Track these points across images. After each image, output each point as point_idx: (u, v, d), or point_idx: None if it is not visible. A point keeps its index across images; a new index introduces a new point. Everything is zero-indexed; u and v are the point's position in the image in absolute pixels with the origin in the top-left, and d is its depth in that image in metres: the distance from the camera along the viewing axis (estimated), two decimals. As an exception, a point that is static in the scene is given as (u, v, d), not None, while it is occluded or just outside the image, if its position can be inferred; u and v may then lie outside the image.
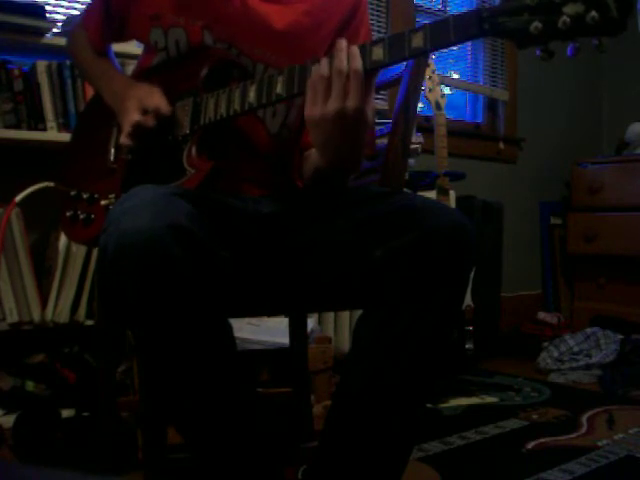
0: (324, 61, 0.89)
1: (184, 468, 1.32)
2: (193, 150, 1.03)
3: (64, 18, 2.00)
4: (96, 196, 1.16)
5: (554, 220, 3.47)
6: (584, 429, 1.85)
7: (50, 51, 1.84)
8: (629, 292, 3.07)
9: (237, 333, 0.91)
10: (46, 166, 1.52)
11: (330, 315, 2.24)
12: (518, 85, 3.29)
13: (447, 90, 2.97)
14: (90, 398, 1.69)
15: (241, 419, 0.89)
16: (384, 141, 1.36)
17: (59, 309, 1.80)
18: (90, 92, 1.83)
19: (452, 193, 2.25)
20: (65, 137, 1.77)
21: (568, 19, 0.73)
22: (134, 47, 1.76)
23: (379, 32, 2.79)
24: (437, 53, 3.06)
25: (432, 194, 2.18)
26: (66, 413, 1.67)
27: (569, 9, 0.73)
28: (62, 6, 2.05)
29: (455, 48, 3.17)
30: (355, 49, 0.87)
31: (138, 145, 1.07)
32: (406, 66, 1.25)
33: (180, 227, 0.79)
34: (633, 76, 3.61)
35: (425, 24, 0.83)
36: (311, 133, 0.93)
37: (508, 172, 3.29)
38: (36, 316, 1.77)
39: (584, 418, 1.95)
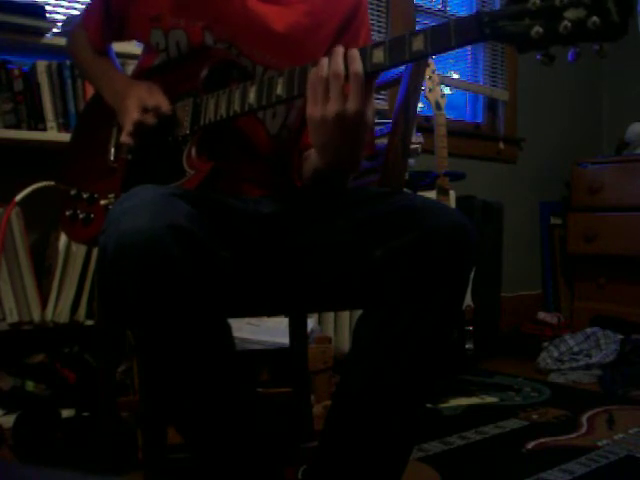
0: (323, 61, 0.89)
1: (184, 468, 1.32)
2: (193, 151, 1.03)
3: (64, 18, 2.00)
4: (96, 196, 1.16)
5: (554, 220, 3.47)
6: (584, 429, 1.85)
7: (50, 51, 1.84)
8: (629, 292, 3.07)
9: (237, 333, 0.91)
10: (46, 166, 1.52)
11: (330, 315, 2.24)
12: (518, 85, 3.29)
13: (447, 90, 2.97)
14: (90, 398, 1.69)
15: (241, 419, 0.89)
16: (384, 141, 1.36)
17: (59, 309, 1.80)
18: (90, 92, 1.83)
19: (452, 193, 2.25)
20: (65, 137, 1.77)
21: (569, 24, 0.72)
22: (134, 47, 1.76)
23: (379, 32, 2.79)
24: (437, 53, 3.06)
25: (432, 194, 2.18)
26: (66, 413, 1.67)
27: (570, 14, 0.72)
28: (62, 6, 2.05)
29: (455, 48, 3.16)
30: (355, 52, 0.87)
31: (138, 144, 1.07)
32: (406, 66, 1.25)
33: (180, 227, 0.79)
34: (633, 76, 3.61)
35: (426, 28, 0.83)
36: (311, 134, 0.93)
37: (508, 172, 3.29)
38: (36, 316, 1.77)
39: (584, 418, 1.95)
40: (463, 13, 3.20)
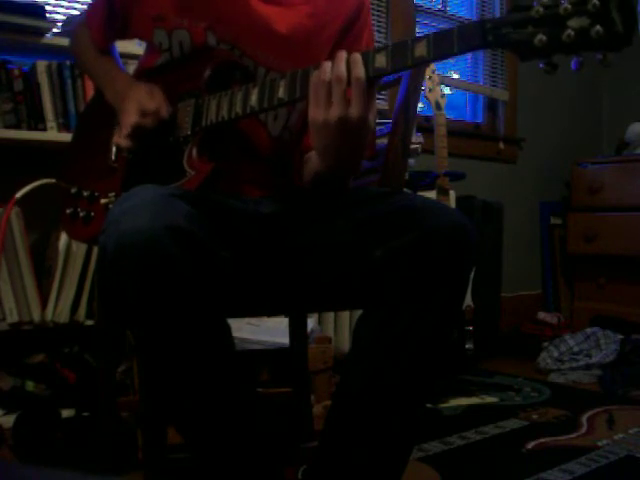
0: (326, 65, 0.89)
1: (184, 468, 1.32)
2: (194, 151, 1.03)
3: (64, 18, 2.00)
4: (96, 194, 1.16)
5: (554, 220, 3.47)
6: (584, 429, 1.85)
7: (50, 51, 1.83)
8: (629, 292, 3.07)
9: (237, 333, 0.92)
10: (46, 166, 1.52)
11: (330, 315, 2.24)
12: (518, 85, 3.29)
13: (447, 90, 2.97)
14: (90, 398, 1.69)
15: (241, 419, 0.89)
16: (384, 141, 1.36)
17: (59, 309, 1.80)
18: (90, 92, 1.83)
19: (452, 193, 2.25)
20: (65, 137, 1.77)
21: (573, 33, 0.72)
22: (135, 47, 1.76)
23: (379, 32, 2.79)
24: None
25: (432, 194, 2.18)
26: (66, 413, 1.67)
27: (574, 23, 0.72)
28: (62, 6, 2.05)
29: (455, 48, 3.16)
30: (357, 56, 0.87)
31: (136, 147, 1.07)
32: (406, 67, 1.24)
33: (179, 228, 0.79)
34: (633, 76, 3.61)
35: (428, 34, 0.82)
36: (313, 137, 0.92)
37: (508, 172, 3.29)
38: (36, 316, 1.77)
39: (584, 418, 1.95)
40: (463, 13, 3.20)
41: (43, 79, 1.81)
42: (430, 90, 2.26)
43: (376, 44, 1.04)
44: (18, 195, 1.73)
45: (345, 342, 2.23)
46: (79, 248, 1.80)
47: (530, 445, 1.71)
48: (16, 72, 1.79)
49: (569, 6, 0.72)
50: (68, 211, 1.20)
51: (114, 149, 1.16)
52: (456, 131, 2.90)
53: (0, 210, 1.72)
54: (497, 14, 3.21)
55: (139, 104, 1.06)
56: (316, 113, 0.89)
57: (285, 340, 1.56)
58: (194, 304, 0.81)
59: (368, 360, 0.92)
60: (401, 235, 0.89)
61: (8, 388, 1.75)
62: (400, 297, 0.89)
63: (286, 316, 1.67)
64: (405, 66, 0.85)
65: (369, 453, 0.92)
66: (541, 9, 0.74)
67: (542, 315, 3.15)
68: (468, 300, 2.27)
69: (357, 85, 0.86)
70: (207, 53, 1.09)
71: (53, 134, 1.81)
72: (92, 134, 1.26)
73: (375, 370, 0.91)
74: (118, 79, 1.18)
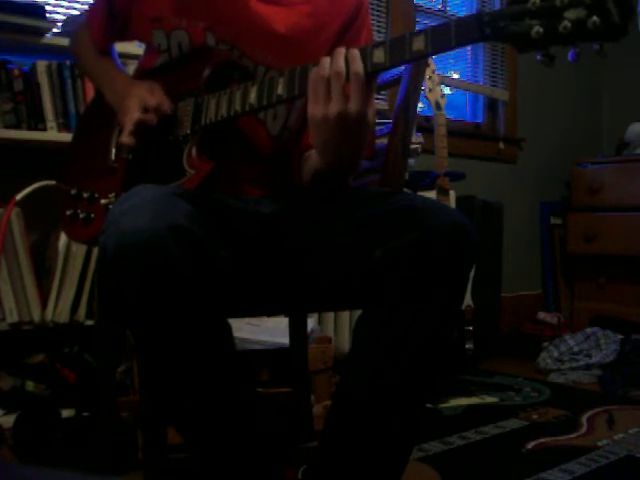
0: (325, 61, 0.89)
1: (184, 468, 1.32)
2: (193, 150, 1.03)
3: (64, 18, 2.00)
4: (96, 195, 1.16)
5: (554, 220, 3.47)
6: (584, 429, 1.85)
7: (50, 51, 1.84)
8: (629, 292, 3.07)
9: (237, 333, 0.92)
10: (46, 166, 1.52)
11: (330, 315, 2.24)
12: (518, 85, 3.29)
13: (447, 90, 2.97)
14: (90, 398, 1.69)
15: (241, 419, 0.89)
16: (384, 141, 1.36)
17: (59, 309, 1.80)
18: (90, 92, 1.83)
19: (452, 193, 2.25)
20: (65, 137, 1.77)
21: (569, 24, 0.72)
22: (135, 47, 1.76)
23: (379, 32, 2.79)
24: (437, 53, 3.06)
25: (432, 194, 2.18)
26: (66, 413, 1.67)
27: (570, 14, 0.72)
28: (62, 6, 2.05)
29: (455, 48, 3.16)
30: (355, 52, 0.87)
31: (139, 144, 1.07)
32: (406, 66, 1.24)
33: (180, 227, 0.79)
34: (633, 76, 3.61)
35: (426, 28, 0.83)
36: (312, 133, 0.92)
37: (508, 172, 3.29)
38: (36, 316, 1.77)
39: (584, 418, 1.95)
40: (463, 13, 3.20)
41: (43, 79, 1.81)
42: (430, 90, 2.26)
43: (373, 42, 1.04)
44: (18, 197, 1.73)
45: (345, 342, 2.23)
46: (79, 248, 1.80)
47: (530, 445, 1.71)
48: (16, 72, 1.79)
49: (565, -3, 0.72)
50: (68, 212, 1.20)
51: (114, 150, 1.16)
52: (456, 131, 2.90)
53: (0, 211, 1.72)
54: (497, 14, 3.20)
55: (141, 100, 1.06)
56: (315, 109, 0.89)
57: (285, 340, 1.56)
58: (195, 304, 0.81)
59: (368, 360, 0.92)
60: (401, 235, 0.89)
61: (8, 388, 1.75)
62: (400, 297, 0.89)
63: (286, 316, 1.67)
64: (403, 60, 0.86)
65: (369, 453, 0.92)
66: (538, 1, 0.75)
67: (542, 315, 3.15)
68: (468, 300, 2.27)
69: (356, 80, 0.86)
70: (206, 53, 1.09)
71: (53, 134, 1.81)
72: (92, 135, 1.26)
73: (375, 370, 0.91)
74: (117, 79, 1.18)
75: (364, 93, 0.87)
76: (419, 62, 1.23)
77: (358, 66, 0.86)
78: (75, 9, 2.07)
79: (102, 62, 1.25)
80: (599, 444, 1.72)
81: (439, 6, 3.08)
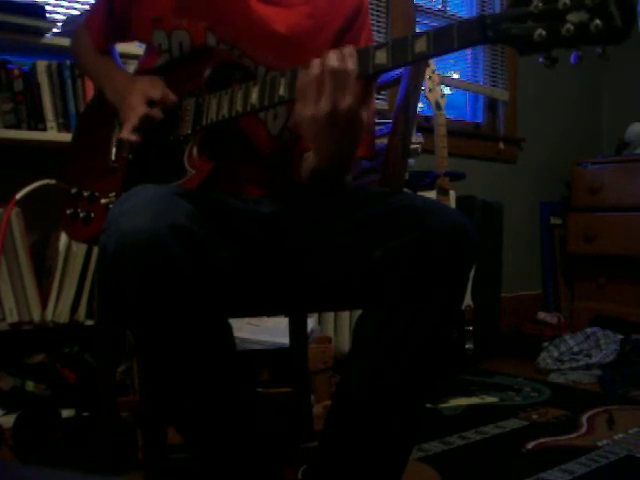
0: (315, 62, 0.89)
1: (184, 468, 1.32)
2: (194, 150, 1.03)
3: (64, 18, 2.00)
4: (97, 194, 1.16)
5: (554, 220, 3.47)
6: (584, 429, 1.85)
7: (50, 51, 1.84)
8: (629, 292, 3.07)
9: (237, 333, 0.91)
10: (46, 166, 1.52)
11: (330, 315, 2.24)
12: (518, 85, 3.29)
13: (447, 90, 2.97)
14: (90, 398, 1.69)
15: (241, 419, 0.89)
16: (384, 141, 1.36)
17: (59, 309, 1.80)
18: (90, 92, 1.83)
19: (452, 193, 2.25)
20: (65, 137, 1.77)
21: (572, 27, 0.72)
22: (135, 47, 1.76)
23: (379, 32, 2.79)
24: (437, 53, 3.06)
25: (432, 194, 2.18)
26: (66, 413, 1.67)
27: (573, 17, 0.72)
28: (62, 6, 2.05)
29: (455, 48, 3.16)
30: (349, 49, 0.87)
31: (141, 142, 1.07)
32: (406, 66, 1.24)
33: (180, 227, 0.79)
34: (633, 76, 3.61)
35: (428, 30, 0.83)
36: (304, 132, 0.92)
37: (508, 172, 3.29)
38: (36, 316, 1.77)
39: (584, 418, 1.95)
40: (463, 13, 3.20)
41: (43, 79, 1.81)
42: (430, 90, 2.26)
43: (375, 44, 1.04)
44: (18, 196, 1.73)
45: (345, 342, 2.23)
46: (79, 248, 1.80)
47: (530, 445, 1.71)
48: (16, 72, 1.79)
49: (568, 1, 0.72)
50: (68, 211, 1.20)
51: (114, 149, 1.16)
52: (456, 131, 2.90)
53: (0, 210, 1.72)
54: (497, 14, 3.20)
55: (144, 94, 1.06)
56: (304, 109, 0.89)
57: (285, 340, 1.56)
58: (195, 304, 0.81)
59: (368, 360, 0.92)
60: (401, 235, 0.89)
61: (8, 388, 1.75)
62: (400, 297, 0.89)
63: (286, 316, 1.67)
64: (406, 62, 0.86)
65: (369, 453, 0.92)
66: (540, 4, 0.74)
67: (542, 315, 3.15)
68: (468, 300, 2.27)
69: (348, 77, 0.86)
70: (207, 53, 1.09)
71: (53, 134, 1.81)
72: (92, 134, 1.26)
73: (375, 370, 0.91)
74: (118, 78, 1.18)
75: (355, 90, 0.86)
76: (419, 62, 1.23)
77: (351, 63, 0.86)
78: (75, 9, 2.07)
79: (103, 61, 1.25)
80: (599, 444, 1.72)
81: (439, 6, 3.08)
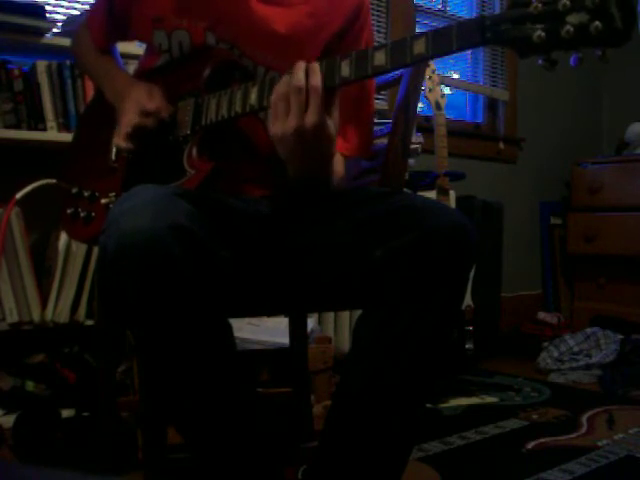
0: (284, 78, 0.90)
1: (184, 468, 1.32)
2: (194, 151, 1.03)
3: (64, 18, 2.00)
4: (97, 194, 1.16)
5: (554, 220, 3.47)
6: (584, 429, 1.85)
7: (50, 51, 1.84)
8: (629, 292, 3.07)
9: (237, 333, 0.91)
10: (46, 166, 1.52)
11: (330, 315, 2.24)
12: (518, 85, 3.29)
13: (447, 90, 2.97)
14: (90, 398, 1.69)
15: (241, 419, 0.89)
16: (384, 141, 1.36)
17: (59, 309, 1.80)
18: (90, 92, 1.83)
19: (452, 193, 2.25)
20: (65, 137, 1.77)
21: (572, 29, 0.72)
22: (135, 47, 1.76)
23: (379, 32, 2.79)
24: (437, 53, 3.06)
25: (432, 194, 2.18)
26: (66, 413, 1.67)
27: (573, 19, 0.72)
28: (62, 6, 2.05)
29: (455, 48, 3.16)
30: (315, 66, 0.89)
31: (135, 147, 1.07)
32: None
33: (180, 227, 0.79)
34: (633, 76, 3.61)
35: (427, 31, 0.83)
36: (277, 148, 0.94)
37: (508, 172, 3.29)
38: (36, 316, 1.77)
39: (584, 418, 1.95)
40: (463, 13, 3.20)
41: (43, 79, 1.81)
42: (430, 90, 2.26)
43: (376, 44, 1.04)
44: (18, 196, 1.73)
45: (345, 342, 2.23)
46: (79, 248, 1.80)
47: (530, 445, 1.71)
48: (16, 72, 1.79)
49: (568, 2, 0.72)
50: (69, 211, 1.20)
51: (114, 149, 1.16)
52: (456, 131, 2.90)
53: (0, 210, 1.72)
54: (497, 14, 3.20)
55: (139, 104, 1.06)
56: (274, 127, 0.91)
57: (285, 340, 1.56)
58: (195, 304, 0.81)
59: (368, 360, 0.92)
60: (401, 235, 0.89)
61: (8, 388, 1.75)
62: (400, 297, 0.89)
63: (286, 316, 1.67)
64: (405, 64, 0.86)
65: (369, 453, 0.92)
66: (540, 5, 0.74)
67: (542, 315, 3.15)
68: (468, 300, 2.27)
69: (313, 94, 0.87)
70: (206, 53, 1.09)
71: (53, 134, 1.81)
72: (92, 134, 1.26)
73: (375, 370, 0.91)
74: (118, 78, 1.18)
75: (322, 106, 0.88)
76: (419, 63, 1.23)
77: (316, 80, 0.87)
78: (75, 9, 2.07)
79: (103, 61, 1.25)
80: (599, 444, 1.72)
81: (439, 6, 3.08)
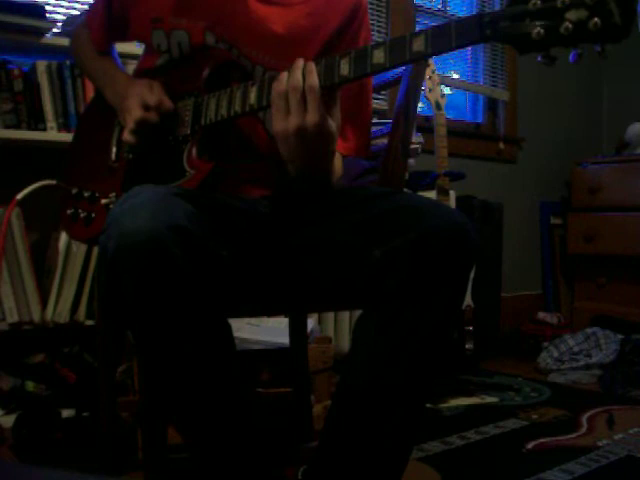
0: (282, 76, 0.90)
1: (184, 468, 1.32)
2: (193, 150, 1.03)
3: (64, 18, 2.00)
4: (97, 195, 1.16)
5: (554, 220, 3.47)
6: (584, 429, 1.85)
7: (50, 51, 1.84)
8: (629, 292, 3.07)
9: (237, 333, 0.92)
10: (46, 166, 1.53)
11: (330, 315, 2.24)
12: (518, 85, 3.29)
13: (447, 90, 2.97)
14: (90, 398, 1.69)
15: (241, 419, 0.89)
16: (384, 141, 1.36)
17: (59, 309, 1.80)
18: (90, 92, 1.83)
19: (452, 193, 2.25)
20: (65, 137, 1.77)
21: (570, 25, 0.72)
22: (135, 47, 1.76)
23: (379, 32, 2.79)
24: (437, 53, 3.06)
25: (432, 194, 2.18)
26: (66, 413, 1.67)
27: (572, 15, 0.72)
28: (62, 6, 2.05)
29: (455, 48, 3.16)
30: (311, 65, 0.89)
31: (141, 143, 1.07)
32: (406, 67, 1.25)
33: (180, 227, 0.79)
34: (633, 76, 3.61)
35: (426, 28, 0.83)
36: (279, 147, 0.94)
37: (508, 172, 3.29)
38: (36, 316, 1.77)
39: (584, 418, 1.95)
40: (463, 13, 3.20)
41: (43, 79, 1.81)
42: (430, 90, 2.26)
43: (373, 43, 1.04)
44: (19, 197, 1.73)
45: (345, 342, 2.23)
46: (79, 248, 1.80)
47: (530, 445, 1.71)
48: (16, 72, 1.79)
49: (567, -2, 0.72)
50: (69, 212, 1.20)
51: (114, 149, 1.16)
52: (456, 131, 2.90)
53: (1, 211, 1.72)
54: (497, 14, 3.20)
55: (141, 98, 1.06)
56: (277, 123, 0.91)
57: (285, 340, 1.56)
58: (195, 304, 0.81)
59: (368, 360, 0.92)
60: (401, 235, 0.89)
61: (8, 388, 1.75)
62: (400, 297, 0.89)
63: (286, 316, 1.67)
64: (403, 61, 0.86)
65: (369, 453, 0.92)
66: (538, 2, 0.74)
67: (542, 315, 3.15)
68: (468, 300, 2.27)
69: (311, 93, 0.88)
70: (205, 53, 1.09)
71: (53, 134, 1.81)
72: (92, 135, 1.26)
73: (375, 370, 0.91)
74: (117, 79, 1.18)
75: (320, 105, 0.88)
76: (419, 62, 1.23)
77: (313, 79, 0.88)
78: (75, 9, 2.07)
79: (102, 62, 1.25)
80: (599, 444, 1.72)
81: (439, 6, 3.08)
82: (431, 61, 2.28)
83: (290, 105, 0.89)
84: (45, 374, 1.79)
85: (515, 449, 1.68)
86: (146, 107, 1.06)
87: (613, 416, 1.96)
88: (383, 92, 2.69)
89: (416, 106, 1.27)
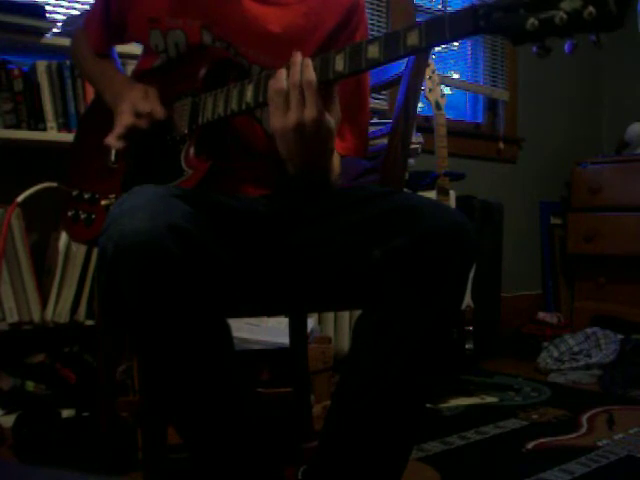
0: (281, 73, 0.90)
1: (184, 468, 1.32)
2: (191, 150, 1.03)
3: (64, 18, 2.00)
4: (97, 196, 1.16)
5: (554, 220, 3.47)
6: (584, 429, 1.85)
7: (50, 51, 1.84)
8: (629, 292, 3.07)
9: (237, 333, 0.92)
10: (46, 166, 1.53)
11: (330, 315, 2.24)
12: (518, 85, 3.29)
13: (447, 90, 2.97)
14: (90, 398, 1.69)
15: (240, 419, 0.89)
16: (384, 141, 1.36)
17: (59, 309, 1.80)
18: (90, 92, 1.83)
19: (452, 193, 2.25)
20: (65, 137, 1.77)
21: (565, 15, 0.71)
22: (134, 47, 1.75)
23: (379, 32, 2.79)
24: (437, 53, 3.06)
25: (432, 194, 2.18)
26: (66, 413, 1.67)
27: (566, 5, 0.71)
28: (62, 6, 2.05)
29: (455, 48, 3.17)
30: (308, 61, 0.89)
31: (128, 148, 1.07)
32: (406, 66, 1.24)
33: (179, 227, 0.79)
34: (633, 76, 3.61)
35: (420, 22, 0.83)
36: (277, 145, 0.94)
37: (508, 172, 3.29)
38: (36, 316, 1.77)
39: (584, 418, 1.95)
40: (463, 13, 3.19)
41: (43, 79, 1.81)
42: (430, 90, 2.26)
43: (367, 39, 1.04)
44: (19, 199, 1.73)
45: (345, 342, 2.23)
46: (79, 248, 1.80)
47: (530, 445, 1.71)
48: (16, 72, 1.79)
49: (561, -12, 0.72)
50: (70, 213, 1.20)
51: (114, 150, 1.16)
52: (456, 131, 2.90)
53: (1, 211, 1.72)
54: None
55: (133, 105, 1.07)
56: (276, 121, 0.91)
57: (285, 340, 1.56)
58: (194, 304, 0.81)
59: (368, 360, 0.92)
60: (401, 235, 0.89)
61: (8, 388, 1.75)
62: (400, 297, 0.89)
63: (286, 316, 1.67)
64: (398, 55, 0.85)
65: (369, 453, 0.92)
66: None
67: (542, 315, 3.15)
68: (468, 300, 2.27)
69: (308, 88, 0.88)
70: (202, 52, 1.09)
71: (53, 134, 1.81)
72: (92, 136, 1.26)
73: (375, 370, 0.91)
74: (115, 80, 1.19)
75: (318, 101, 0.88)
76: (419, 61, 1.23)
77: (310, 75, 0.88)
78: (75, 9, 2.06)
79: (100, 64, 1.25)
80: (599, 444, 1.72)
81: (439, 6, 3.08)
82: (431, 61, 2.28)
83: (290, 101, 0.89)
84: (45, 374, 1.79)
85: (515, 449, 1.68)
86: (137, 114, 1.06)
87: (613, 416, 1.96)
88: (383, 92, 2.69)
89: (416, 106, 1.27)
